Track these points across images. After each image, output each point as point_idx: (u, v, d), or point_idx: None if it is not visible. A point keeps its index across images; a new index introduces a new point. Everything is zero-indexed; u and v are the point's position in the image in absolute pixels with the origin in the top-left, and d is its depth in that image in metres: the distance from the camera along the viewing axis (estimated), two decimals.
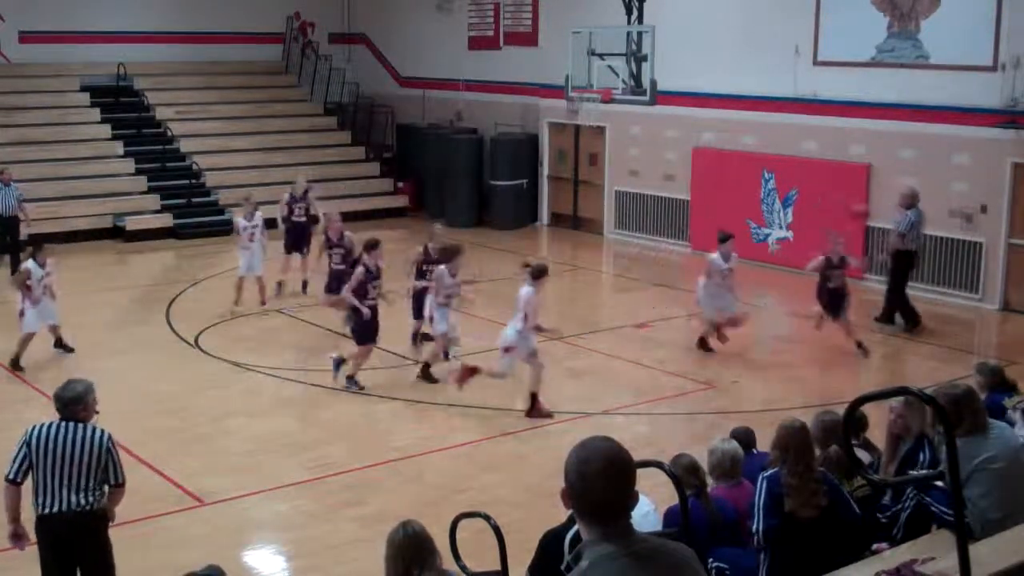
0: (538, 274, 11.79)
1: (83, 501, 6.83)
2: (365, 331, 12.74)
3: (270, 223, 17.20)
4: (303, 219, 17.39)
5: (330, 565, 8.59)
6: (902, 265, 15.32)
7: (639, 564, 3.06)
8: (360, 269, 12.75)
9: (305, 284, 17.18)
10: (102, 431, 6.93)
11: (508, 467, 10.48)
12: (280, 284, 17.11)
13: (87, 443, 6.83)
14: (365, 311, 12.56)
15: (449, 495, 9.60)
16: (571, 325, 15.68)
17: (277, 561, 9.06)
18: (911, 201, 15.25)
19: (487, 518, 6.07)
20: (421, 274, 13.93)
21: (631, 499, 3.13)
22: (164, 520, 9.34)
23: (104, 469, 6.90)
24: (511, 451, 10.84)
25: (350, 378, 12.71)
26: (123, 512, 9.32)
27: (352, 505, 9.65)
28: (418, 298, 13.90)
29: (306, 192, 17.69)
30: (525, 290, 11.74)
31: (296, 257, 17.36)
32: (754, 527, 6.21)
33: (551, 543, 5.65)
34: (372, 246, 12.83)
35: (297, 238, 17.34)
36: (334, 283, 14.83)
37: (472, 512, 6.40)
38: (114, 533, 9.02)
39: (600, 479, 3.10)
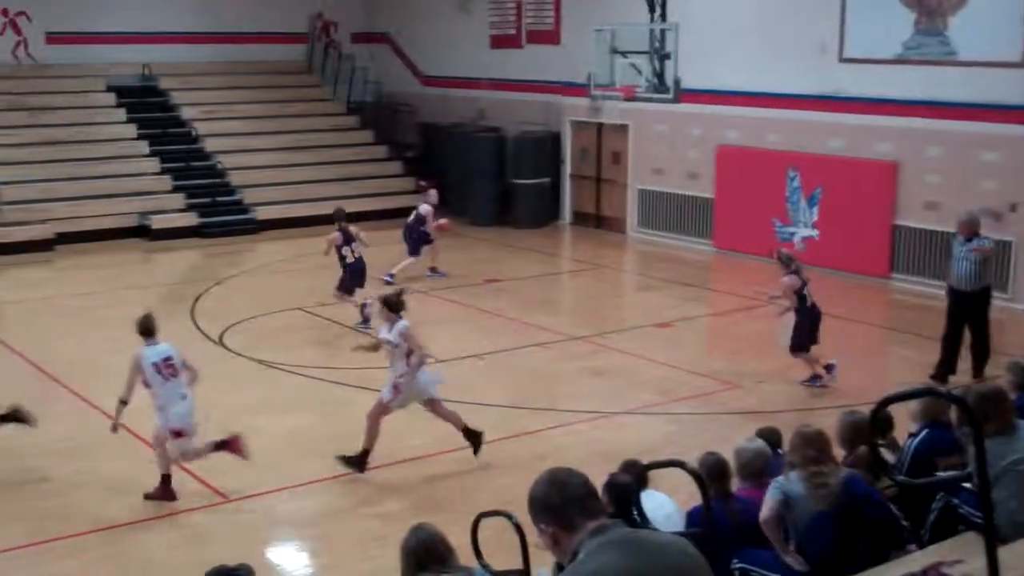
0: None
1: None
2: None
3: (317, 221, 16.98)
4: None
5: (352, 562, 8.61)
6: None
7: (627, 548, 3.33)
8: None
9: None
10: None
11: (528, 466, 10.42)
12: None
13: None
14: None
15: (469, 494, 9.60)
16: (593, 324, 15.67)
17: (300, 558, 9.09)
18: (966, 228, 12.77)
19: (509, 516, 6.04)
20: None
21: (587, 489, 3.49)
22: (189, 516, 9.39)
23: None
24: (531, 450, 10.79)
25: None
26: (149, 509, 9.43)
27: (374, 503, 9.66)
28: None
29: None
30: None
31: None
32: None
33: None
34: None
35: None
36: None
37: (494, 511, 6.37)
38: (141, 529, 9.11)
39: (549, 485, 3.50)
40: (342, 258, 15.52)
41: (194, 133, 24.76)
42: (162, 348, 9.69)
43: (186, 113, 25.15)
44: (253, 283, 18.60)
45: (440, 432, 11.39)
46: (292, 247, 21.05)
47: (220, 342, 14.66)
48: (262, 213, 23.05)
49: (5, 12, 24.24)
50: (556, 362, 14.05)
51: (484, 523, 6.24)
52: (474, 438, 10.54)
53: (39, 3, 24.38)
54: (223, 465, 10.39)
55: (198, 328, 15.37)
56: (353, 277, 15.55)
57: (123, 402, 9.61)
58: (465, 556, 5.67)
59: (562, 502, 3.44)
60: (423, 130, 26.81)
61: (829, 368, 12.66)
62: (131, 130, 24.17)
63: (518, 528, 5.89)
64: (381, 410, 10.29)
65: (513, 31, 24.67)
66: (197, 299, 16.83)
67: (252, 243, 22.05)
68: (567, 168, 23.85)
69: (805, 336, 12.58)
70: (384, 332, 10.33)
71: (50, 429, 11.38)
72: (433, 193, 18.62)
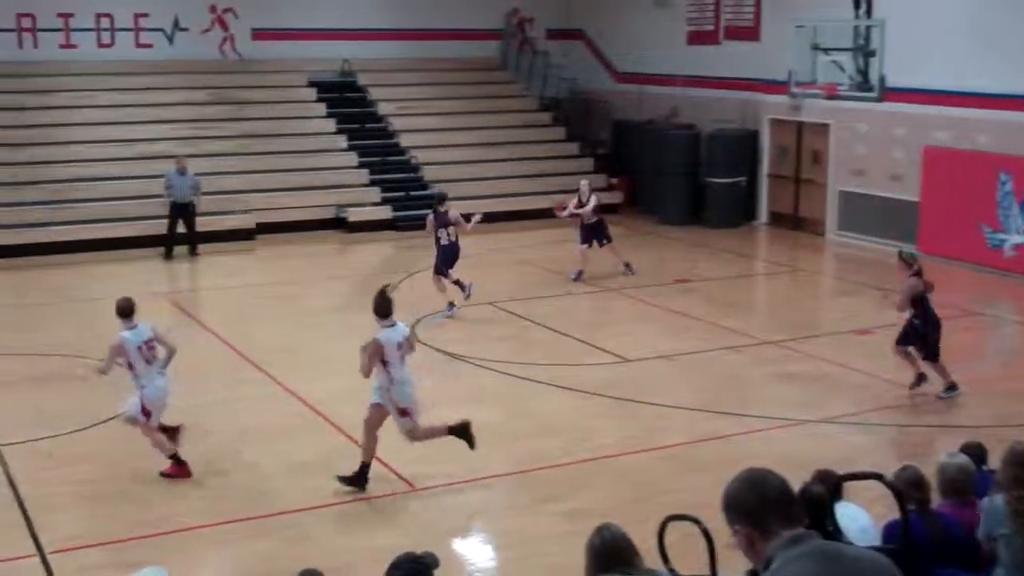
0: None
1: None
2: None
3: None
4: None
5: (536, 558, 8.54)
6: None
7: (825, 561, 3.24)
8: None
9: None
10: None
11: (718, 470, 10.12)
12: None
13: None
14: None
15: (656, 495, 9.42)
16: (787, 328, 15.22)
17: (485, 550, 9.11)
18: None
19: (697, 521, 5.86)
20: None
21: (786, 493, 3.37)
22: (377, 503, 9.52)
23: None
24: (721, 455, 10.53)
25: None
26: (338, 492, 9.59)
27: (558, 500, 9.58)
28: None
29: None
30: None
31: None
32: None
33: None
34: None
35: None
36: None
37: (682, 514, 6.20)
38: (327, 514, 9.28)
39: (745, 485, 3.41)
40: (437, 240, 15.98)
41: (390, 128, 25.25)
42: (142, 330, 9.95)
43: (383, 108, 25.67)
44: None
45: (629, 431, 11.27)
46: (483, 242, 21.21)
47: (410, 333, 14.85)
48: (455, 208, 23.26)
49: (213, 9, 25.26)
50: (747, 366, 13.71)
51: (671, 527, 6.08)
52: (357, 480, 9.66)
53: (246, 1, 25.30)
54: (411, 454, 10.51)
55: None
56: (444, 258, 15.92)
57: (102, 372, 10.14)
58: (651, 559, 5.51)
59: (758, 504, 3.35)
60: (616, 127, 26.65)
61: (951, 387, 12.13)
62: (330, 124, 24.83)
63: (706, 533, 5.71)
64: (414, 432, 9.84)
65: (711, 27, 24.27)
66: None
67: None
68: (764, 167, 23.30)
69: (915, 336, 12.12)
70: None
71: (244, 412, 11.76)
72: (583, 184, 18.33)
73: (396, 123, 25.38)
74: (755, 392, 12.97)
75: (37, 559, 8.42)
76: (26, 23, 23.69)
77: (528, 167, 24.86)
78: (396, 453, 10.47)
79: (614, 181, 25.42)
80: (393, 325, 9.66)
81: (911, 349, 12.24)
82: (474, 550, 9.05)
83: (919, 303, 12.03)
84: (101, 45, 24.42)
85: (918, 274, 12.04)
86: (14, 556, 8.48)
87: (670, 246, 21.46)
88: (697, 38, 24.61)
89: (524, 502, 9.63)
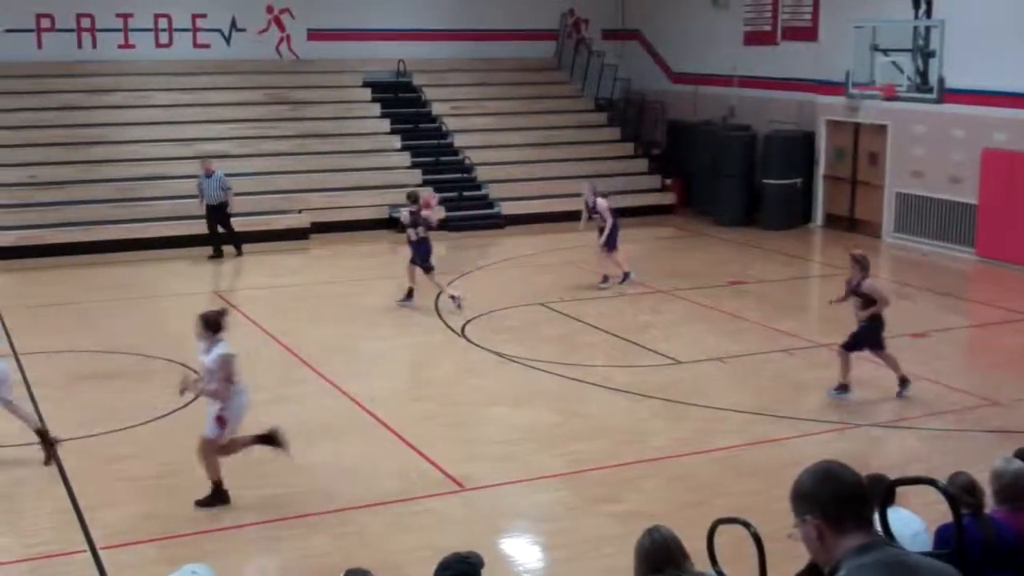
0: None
1: None
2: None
3: None
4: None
5: (586, 560, 8.50)
6: None
7: (894, 572, 3.15)
8: None
9: None
10: None
11: (770, 475, 10.07)
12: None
13: None
14: None
15: (707, 499, 9.35)
16: (842, 331, 15.03)
17: (533, 551, 9.08)
18: None
19: (747, 525, 5.79)
20: None
21: (861, 490, 3.28)
22: (425, 502, 9.51)
23: None
24: (773, 458, 10.43)
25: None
26: (388, 491, 9.62)
27: (609, 501, 9.54)
28: None
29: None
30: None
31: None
32: None
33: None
34: None
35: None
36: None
37: (732, 518, 6.13)
38: (376, 512, 9.30)
39: (820, 477, 3.31)
40: (408, 238, 16.17)
41: (444, 128, 25.30)
42: None
43: (437, 109, 25.72)
44: (496, 277, 18.83)
45: (681, 434, 11.20)
46: (536, 243, 21.25)
47: (461, 333, 14.89)
48: (507, 208, 23.31)
49: (270, 9, 25.46)
50: (801, 369, 13.57)
51: (721, 530, 6.02)
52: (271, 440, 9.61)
53: (302, 1, 25.47)
54: (460, 454, 10.52)
55: (441, 319, 15.67)
56: (418, 255, 16.11)
57: None
58: (700, 562, 5.47)
59: (832, 498, 3.25)
60: (670, 127, 26.52)
61: (904, 383, 12.12)
62: (385, 124, 24.93)
63: (756, 537, 5.65)
64: (210, 448, 9.31)
65: (768, 27, 24.08)
66: (441, 291, 17.13)
67: (497, 238, 22.33)
68: (820, 169, 23.06)
69: (865, 340, 12.14)
70: (201, 352, 9.34)
71: (296, 410, 11.81)
72: (586, 189, 17.97)
73: (450, 123, 25.42)
74: (808, 395, 12.82)
75: (88, 554, 8.51)
76: (85, 23, 24.01)
77: (582, 167, 24.73)
78: (445, 453, 10.50)
79: (668, 182, 25.31)
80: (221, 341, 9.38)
81: (876, 352, 12.28)
82: (524, 551, 9.03)
83: (868, 304, 12.04)
84: (159, 45, 24.70)
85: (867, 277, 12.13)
86: (66, 551, 8.58)
87: (724, 247, 21.31)
88: (754, 38, 24.42)
89: (575, 503, 9.59)
